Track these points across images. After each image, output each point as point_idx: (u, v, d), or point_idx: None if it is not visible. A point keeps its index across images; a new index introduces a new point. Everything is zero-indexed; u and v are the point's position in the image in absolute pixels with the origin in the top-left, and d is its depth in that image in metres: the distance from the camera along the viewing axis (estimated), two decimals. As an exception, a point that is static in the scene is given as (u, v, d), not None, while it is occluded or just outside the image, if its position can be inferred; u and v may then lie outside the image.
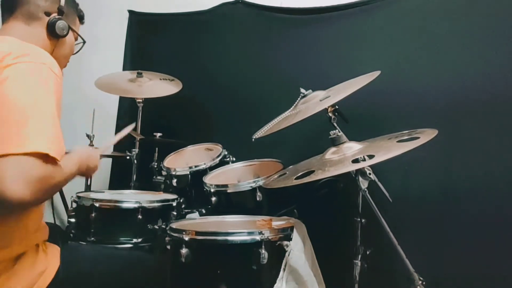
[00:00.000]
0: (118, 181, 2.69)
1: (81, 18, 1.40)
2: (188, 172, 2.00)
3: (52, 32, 1.25)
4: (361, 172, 1.32)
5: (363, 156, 1.33)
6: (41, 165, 0.94)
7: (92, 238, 1.65)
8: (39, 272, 1.12)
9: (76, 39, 1.38)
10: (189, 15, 2.63)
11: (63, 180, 1.03)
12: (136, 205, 1.68)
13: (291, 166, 1.71)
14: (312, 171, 1.35)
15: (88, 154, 1.28)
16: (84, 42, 1.41)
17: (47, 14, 1.25)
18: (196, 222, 1.69)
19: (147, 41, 2.81)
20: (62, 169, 1.01)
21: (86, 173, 1.28)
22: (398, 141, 1.41)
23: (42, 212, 1.22)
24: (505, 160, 1.76)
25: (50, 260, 1.16)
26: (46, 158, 0.94)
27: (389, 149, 1.33)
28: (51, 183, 0.97)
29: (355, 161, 1.32)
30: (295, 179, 1.37)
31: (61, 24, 1.25)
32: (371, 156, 1.29)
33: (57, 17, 1.25)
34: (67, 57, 1.36)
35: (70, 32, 1.31)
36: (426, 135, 1.34)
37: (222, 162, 2.03)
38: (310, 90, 1.66)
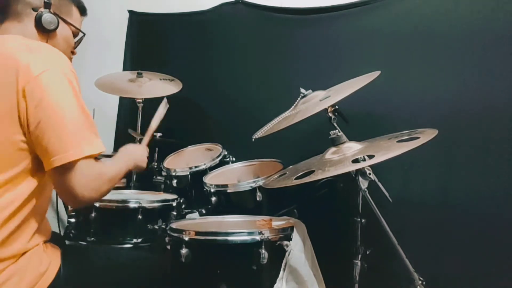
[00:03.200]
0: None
1: (82, 10, 1.37)
2: (188, 173, 2.00)
3: (41, 27, 1.23)
4: (361, 172, 1.33)
5: (363, 156, 1.33)
6: (95, 164, 1.10)
7: (92, 238, 1.65)
8: (40, 273, 1.12)
9: (74, 33, 1.35)
10: (189, 15, 2.62)
11: (115, 175, 1.19)
12: (136, 205, 1.68)
13: (291, 166, 1.71)
14: (312, 171, 1.35)
15: (132, 152, 1.40)
16: (83, 34, 1.38)
17: (35, 9, 1.23)
18: (196, 222, 1.70)
19: (147, 41, 2.81)
20: (110, 166, 1.19)
21: (136, 169, 1.39)
22: (398, 141, 1.41)
23: (44, 212, 1.22)
24: (505, 160, 1.76)
25: (51, 260, 1.16)
26: (95, 158, 1.11)
27: (389, 149, 1.33)
28: (105, 178, 1.14)
29: (355, 161, 1.32)
30: (295, 179, 1.37)
31: (48, 17, 1.23)
32: (371, 156, 1.29)
33: (43, 10, 1.23)
34: (64, 52, 1.31)
35: (64, 25, 1.28)
36: (426, 135, 1.34)
37: (222, 162, 2.03)
38: (310, 90, 1.66)
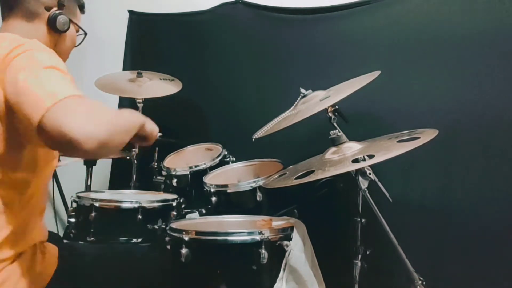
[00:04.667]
0: (118, 181, 2.69)
1: (81, 8, 1.37)
2: (188, 172, 2.00)
3: (53, 28, 1.22)
4: (361, 172, 1.33)
5: (363, 156, 1.33)
6: (82, 100, 0.91)
7: (92, 238, 1.65)
8: (37, 273, 1.11)
9: (77, 31, 1.35)
10: (189, 15, 2.62)
11: (115, 114, 1.00)
12: (136, 205, 1.68)
13: (291, 166, 1.71)
14: (312, 171, 1.35)
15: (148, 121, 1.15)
16: (85, 34, 1.38)
17: (47, 9, 1.22)
18: (196, 222, 1.70)
19: (147, 41, 2.81)
20: (118, 112, 1.02)
21: (144, 133, 1.12)
22: (398, 141, 1.41)
23: (42, 211, 1.22)
24: (505, 161, 1.76)
25: (48, 260, 1.16)
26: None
27: (389, 149, 1.33)
28: (103, 110, 0.93)
29: (355, 161, 1.32)
30: (295, 179, 1.37)
31: (62, 19, 1.23)
32: (371, 156, 1.29)
33: (57, 11, 1.22)
34: (68, 51, 1.34)
35: (71, 25, 1.28)
36: (427, 135, 1.34)
37: (222, 162, 2.03)
38: (310, 90, 1.66)
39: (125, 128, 0.99)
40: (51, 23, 1.22)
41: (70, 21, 1.27)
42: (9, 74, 0.96)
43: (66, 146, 0.85)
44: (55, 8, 1.23)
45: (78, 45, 1.38)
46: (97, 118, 0.89)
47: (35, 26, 1.21)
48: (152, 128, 1.14)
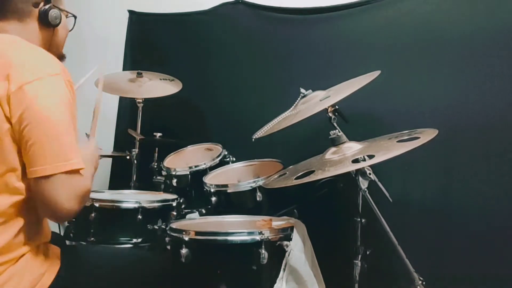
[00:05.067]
0: (118, 181, 2.69)
1: None
2: (188, 172, 2.00)
3: (46, 24, 1.20)
4: (361, 172, 1.33)
5: (363, 156, 1.33)
6: (82, 179, 1.07)
7: (92, 238, 1.65)
8: (40, 274, 1.11)
9: (66, 16, 1.30)
10: (189, 15, 2.62)
11: (90, 188, 1.13)
12: (136, 205, 1.68)
13: (291, 166, 1.71)
14: (312, 171, 1.35)
15: (93, 155, 1.28)
16: (75, 17, 1.33)
17: (35, 5, 1.18)
18: (196, 222, 1.70)
19: (147, 41, 2.81)
20: (88, 176, 1.13)
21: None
22: (398, 141, 1.41)
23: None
24: (505, 161, 1.76)
25: (51, 261, 1.16)
26: (81, 172, 1.06)
27: (389, 149, 1.33)
28: (88, 192, 1.12)
29: (355, 161, 1.32)
30: (295, 179, 1.37)
31: (53, 13, 1.19)
32: (371, 156, 1.29)
33: (46, 6, 1.19)
34: (64, 40, 1.30)
35: (63, 15, 1.25)
36: (426, 135, 1.34)
37: (222, 162, 2.03)
38: (310, 90, 1.66)
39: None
40: (43, 20, 1.19)
41: (59, 10, 1.23)
42: (25, 95, 1.01)
43: (48, 211, 1.05)
44: (42, 3, 1.20)
45: (71, 30, 1.33)
46: (83, 199, 1.08)
47: (28, 26, 1.19)
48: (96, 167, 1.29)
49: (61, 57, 1.32)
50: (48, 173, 1.00)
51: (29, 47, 1.14)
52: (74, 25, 1.34)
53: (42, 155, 1.01)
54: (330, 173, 1.30)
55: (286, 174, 1.57)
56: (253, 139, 1.59)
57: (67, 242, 1.60)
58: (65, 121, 1.05)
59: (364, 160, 1.31)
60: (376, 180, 1.35)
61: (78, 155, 1.06)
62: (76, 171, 1.04)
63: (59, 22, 1.22)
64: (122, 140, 2.75)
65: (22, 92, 1.01)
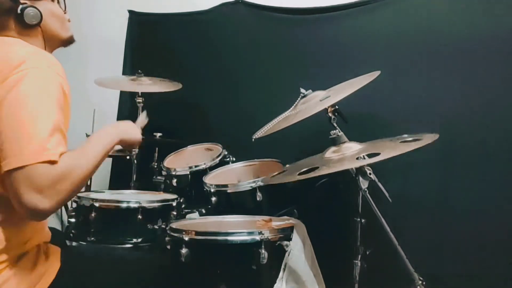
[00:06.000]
0: (118, 181, 2.69)
1: None
2: (188, 172, 2.00)
3: (28, 26, 1.13)
4: (361, 172, 1.33)
5: (363, 155, 1.32)
6: (48, 171, 0.94)
7: (92, 238, 1.64)
8: (40, 274, 1.11)
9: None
10: (189, 15, 2.62)
11: (85, 171, 1.01)
12: (136, 205, 1.68)
13: (287, 165, 1.70)
14: (316, 167, 1.34)
15: (122, 130, 1.21)
16: None
17: (8, 12, 1.12)
18: (196, 222, 1.69)
19: (147, 41, 2.81)
20: (78, 162, 1.00)
21: (131, 145, 1.23)
22: (401, 142, 1.41)
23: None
24: (504, 161, 1.76)
25: (51, 261, 1.15)
26: (53, 162, 0.94)
27: (393, 148, 1.33)
28: (68, 182, 0.96)
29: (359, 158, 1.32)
30: (299, 174, 1.36)
31: (30, 12, 1.13)
32: (376, 154, 1.29)
33: (20, 7, 1.11)
34: (59, 26, 1.23)
35: (42, 4, 1.16)
36: (428, 139, 1.34)
37: (222, 162, 2.03)
38: (310, 90, 1.66)
39: (92, 165, 1.03)
40: (21, 23, 1.13)
41: (35, 8, 1.14)
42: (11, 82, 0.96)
43: (19, 208, 0.94)
44: (13, 6, 1.12)
45: (65, 12, 1.26)
46: (59, 192, 0.95)
47: (11, 34, 1.14)
48: (131, 137, 1.21)
49: (68, 41, 1.27)
50: (19, 165, 0.91)
51: (20, 45, 1.11)
52: (65, 7, 1.26)
53: (16, 144, 0.93)
54: (336, 169, 1.29)
55: (287, 171, 1.57)
56: (253, 139, 1.59)
57: (67, 242, 1.60)
58: (39, 109, 0.98)
59: (364, 159, 1.31)
60: (376, 180, 1.35)
61: (54, 144, 0.96)
62: (37, 164, 0.92)
63: (40, 18, 1.15)
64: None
65: (5, 84, 0.97)
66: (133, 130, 1.27)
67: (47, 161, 0.93)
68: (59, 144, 0.97)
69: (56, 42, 1.25)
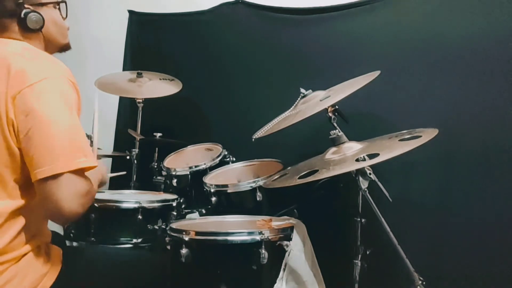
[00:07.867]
0: (118, 181, 2.68)
1: None
2: (188, 172, 2.00)
3: (28, 30, 1.16)
4: (361, 172, 1.32)
5: (363, 156, 1.32)
6: (86, 180, 1.07)
7: (92, 239, 1.65)
8: (42, 274, 1.12)
9: (55, 7, 1.25)
10: (189, 15, 2.62)
11: (94, 193, 1.14)
12: (136, 205, 1.68)
13: (289, 168, 1.70)
14: (316, 170, 1.34)
15: (100, 172, 1.30)
16: (65, 2, 1.27)
17: (12, 15, 1.15)
18: (196, 222, 1.70)
19: (147, 41, 2.81)
20: (92, 182, 1.12)
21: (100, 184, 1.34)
22: (400, 140, 1.41)
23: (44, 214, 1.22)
24: (505, 161, 1.76)
25: (53, 261, 1.16)
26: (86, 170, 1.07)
27: (392, 148, 1.33)
28: (92, 195, 1.12)
29: (358, 160, 1.32)
30: (299, 178, 1.36)
31: (33, 17, 1.15)
32: (375, 155, 1.29)
33: (23, 12, 1.14)
34: (59, 32, 1.26)
35: (44, 10, 1.19)
36: (427, 134, 1.34)
37: (222, 162, 2.03)
38: (310, 90, 1.66)
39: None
40: (23, 27, 1.16)
41: (40, 5, 1.18)
42: (28, 98, 1.02)
43: (53, 213, 1.04)
44: (17, 10, 1.15)
45: (66, 17, 1.28)
46: (88, 202, 1.08)
47: (14, 36, 1.16)
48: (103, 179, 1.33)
49: (64, 48, 1.31)
50: (55, 172, 1.00)
51: (33, 52, 1.14)
52: (67, 10, 1.28)
53: (48, 155, 1.01)
54: (335, 172, 1.29)
55: (288, 175, 1.57)
56: (253, 139, 1.59)
57: (67, 242, 1.60)
58: (67, 120, 1.05)
59: (364, 160, 1.31)
60: (376, 180, 1.35)
61: (87, 153, 1.07)
62: (82, 170, 1.05)
63: (42, 24, 1.19)
64: (122, 140, 2.75)
65: (23, 96, 1.01)
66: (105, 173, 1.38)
67: (84, 168, 1.06)
68: (86, 156, 1.08)
69: (54, 47, 1.28)
